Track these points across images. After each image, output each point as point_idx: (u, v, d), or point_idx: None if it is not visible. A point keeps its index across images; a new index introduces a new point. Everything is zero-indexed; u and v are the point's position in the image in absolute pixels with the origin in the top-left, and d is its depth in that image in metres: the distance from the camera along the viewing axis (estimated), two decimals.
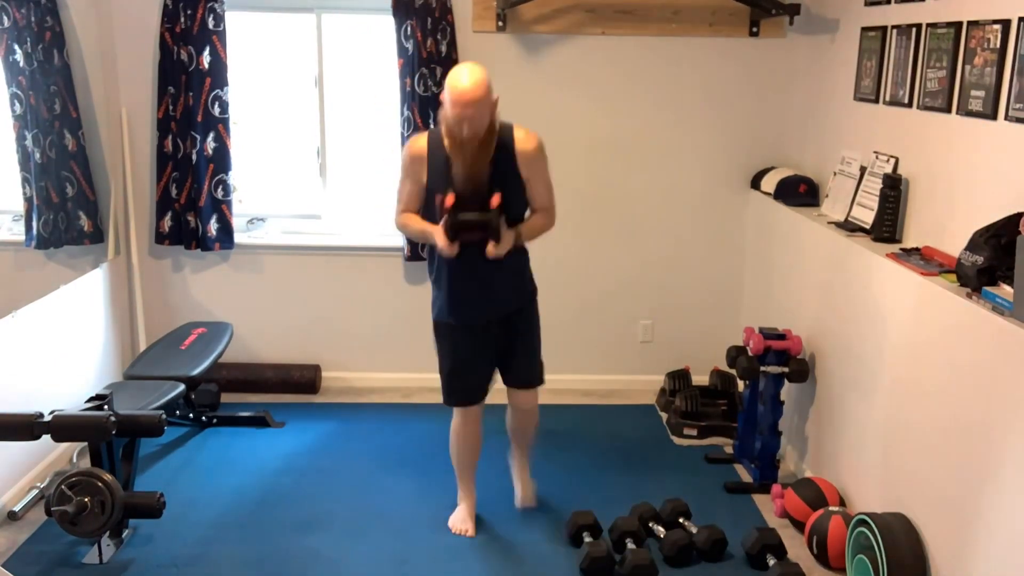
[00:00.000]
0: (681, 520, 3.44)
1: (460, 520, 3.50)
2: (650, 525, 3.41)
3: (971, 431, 2.59)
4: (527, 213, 3.31)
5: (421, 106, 4.43)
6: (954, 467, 2.68)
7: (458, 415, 3.45)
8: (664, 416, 4.54)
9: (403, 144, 4.47)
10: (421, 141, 3.21)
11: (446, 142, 3.11)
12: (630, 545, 3.26)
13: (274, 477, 3.87)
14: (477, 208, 3.07)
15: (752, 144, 4.66)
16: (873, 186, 3.52)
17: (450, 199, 3.04)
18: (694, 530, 3.36)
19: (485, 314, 3.31)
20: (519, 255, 3.32)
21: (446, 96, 3.02)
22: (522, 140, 3.19)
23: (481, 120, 3.01)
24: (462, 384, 3.40)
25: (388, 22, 4.42)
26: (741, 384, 4.24)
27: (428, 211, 3.23)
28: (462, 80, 2.98)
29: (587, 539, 3.26)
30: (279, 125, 4.81)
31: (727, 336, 4.55)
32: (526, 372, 3.45)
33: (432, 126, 3.22)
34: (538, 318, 3.47)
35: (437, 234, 3.11)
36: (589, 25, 4.50)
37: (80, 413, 3.20)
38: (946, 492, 2.71)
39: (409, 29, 4.37)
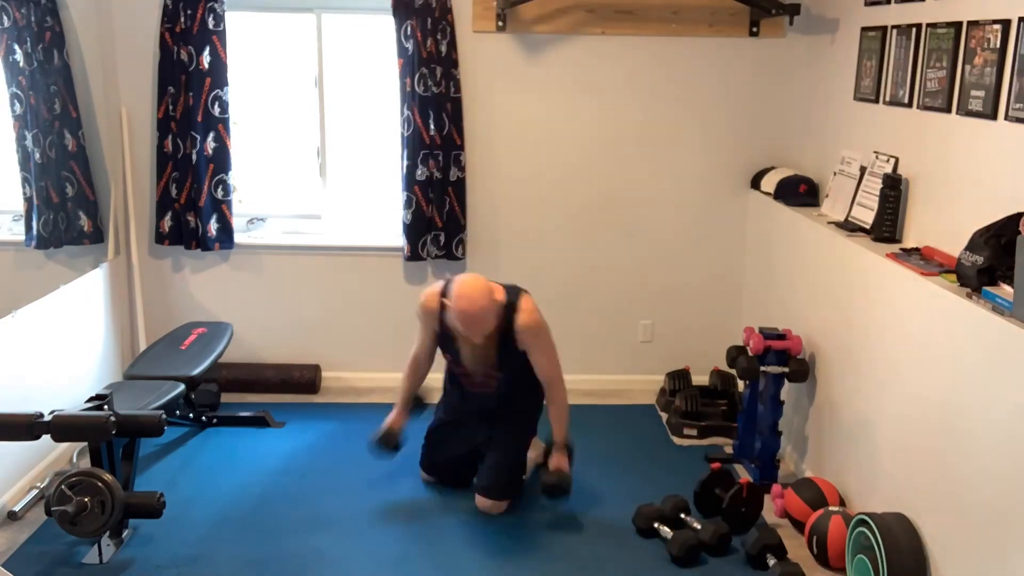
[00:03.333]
0: (682, 516, 3.44)
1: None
2: (655, 526, 3.41)
3: (971, 431, 2.59)
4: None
5: (421, 106, 4.43)
6: (954, 467, 2.68)
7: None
8: (664, 416, 4.54)
9: (403, 143, 4.50)
10: (434, 303, 3.54)
11: (453, 328, 3.45)
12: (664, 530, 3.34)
13: (274, 477, 3.87)
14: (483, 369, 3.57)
15: (752, 144, 4.65)
16: (873, 186, 3.52)
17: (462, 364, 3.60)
18: (697, 526, 3.37)
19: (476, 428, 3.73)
20: (529, 399, 3.73)
21: (453, 311, 3.34)
22: (521, 319, 3.46)
23: (486, 329, 3.38)
24: (436, 448, 3.79)
25: (388, 22, 4.42)
26: (741, 384, 4.24)
27: (445, 348, 3.65)
28: (469, 306, 3.30)
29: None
30: (279, 125, 4.81)
31: (727, 336, 4.55)
32: (490, 475, 3.63)
33: (446, 284, 3.57)
34: (526, 428, 3.77)
35: (395, 418, 3.72)
36: (589, 25, 4.50)
37: (80, 413, 3.20)
38: (946, 492, 2.71)
39: (409, 29, 4.37)
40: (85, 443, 3.48)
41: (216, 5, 4.37)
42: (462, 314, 3.32)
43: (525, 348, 3.51)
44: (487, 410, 3.70)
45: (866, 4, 3.76)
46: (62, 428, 3.16)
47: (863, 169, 3.68)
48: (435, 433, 3.80)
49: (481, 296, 3.32)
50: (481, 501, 3.59)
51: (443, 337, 3.59)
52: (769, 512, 3.63)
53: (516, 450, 3.72)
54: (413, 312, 4.68)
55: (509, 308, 3.45)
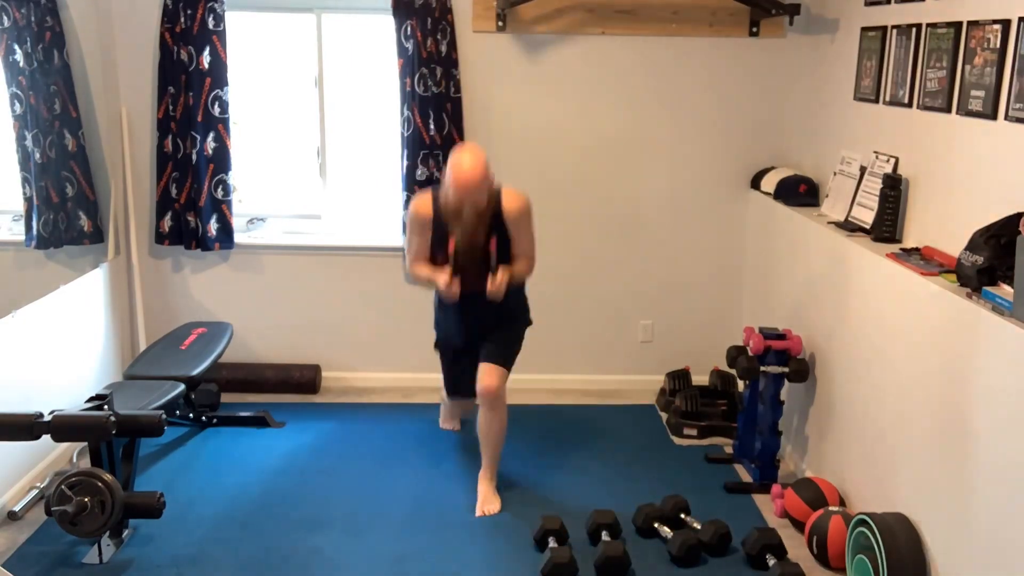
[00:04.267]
0: (683, 516, 3.44)
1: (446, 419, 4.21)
2: (655, 526, 3.41)
3: (971, 431, 2.59)
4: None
5: (421, 106, 4.43)
6: (954, 467, 2.68)
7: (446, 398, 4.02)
8: (664, 416, 4.54)
9: (403, 143, 4.50)
10: (426, 205, 3.56)
11: (445, 196, 3.47)
12: (605, 537, 3.28)
13: (274, 477, 3.87)
14: (475, 262, 3.50)
15: (752, 144, 4.65)
16: (873, 186, 3.52)
17: (452, 245, 3.49)
18: (698, 526, 3.37)
19: (472, 339, 3.73)
20: (516, 295, 3.72)
21: (449, 178, 3.38)
22: (509, 202, 3.53)
23: (480, 199, 3.40)
24: (455, 388, 3.96)
25: (388, 22, 4.42)
26: (741, 384, 4.24)
27: (434, 262, 3.62)
28: (464, 167, 3.35)
29: (552, 544, 3.25)
30: (279, 125, 4.81)
31: (727, 336, 4.55)
32: (492, 352, 3.66)
33: (434, 187, 3.67)
34: (520, 333, 3.79)
35: (439, 276, 3.52)
36: (589, 25, 4.50)
37: (80, 413, 3.20)
38: (946, 492, 2.72)
39: (409, 29, 4.37)
40: (85, 443, 3.48)
41: (216, 5, 4.37)
42: (461, 179, 3.34)
43: (512, 225, 3.54)
44: (482, 313, 3.65)
45: (866, 4, 3.76)
46: (62, 428, 3.16)
47: (863, 169, 3.68)
48: (451, 362, 3.91)
49: (479, 161, 3.37)
50: (486, 372, 3.61)
51: (436, 239, 3.55)
52: (769, 512, 3.63)
53: (510, 340, 3.74)
54: (412, 308, 4.74)
55: (495, 192, 3.51)
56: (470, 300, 3.57)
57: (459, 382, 3.90)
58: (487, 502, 3.66)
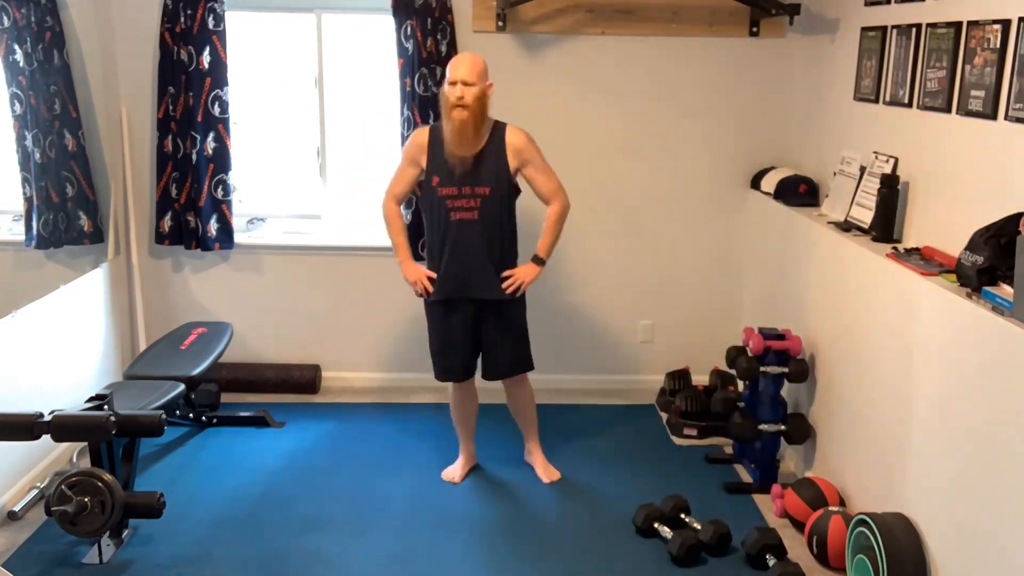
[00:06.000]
0: (683, 516, 3.45)
1: (451, 468, 3.88)
2: (655, 526, 3.41)
3: (971, 431, 2.59)
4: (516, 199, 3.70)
5: (421, 106, 4.43)
6: (954, 467, 2.68)
7: (452, 387, 3.82)
8: (664, 416, 4.54)
9: (403, 143, 4.50)
10: (424, 132, 3.65)
11: (443, 122, 3.52)
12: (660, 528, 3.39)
13: (274, 477, 3.87)
14: (468, 184, 3.52)
15: (752, 144, 4.66)
16: (872, 186, 3.52)
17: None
18: (698, 526, 3.37)
19: (465, 291, 3.62)
20: (510, 256, 3.70)
21: (448, 70, 3.48)
22: (510, 134, 3.59)
23: (471, 86, 3.42)
24: (445, 363, 3.74)
25: (388, 22, 4.42)
26: (741, 384, 4.24)
27: (424, 195, 3.68)
28: (461, 54, 3.57)
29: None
30: (279, 125, 4.81)
31: (727, 336, 4.55)
32: (505, 363, 3.74)
33: (433, 122, 3.68)
34: (521, 315, 3.75)
35: (408, 269, 3.69)
36: (589, 25, 4.50)
37: (80, 413, 3.20)
38: (946, 492, 2.72)
39: (409, 29, 4.37)
40: (85, 443, 3.48)
41: (216, 5, 4.37)
42: (455, 59, 3.51)
43: (515, 158, 3.58)
44: (471, 256, 3.57)
45: (866, 4, 3.76)
46: (62, 428, 3.16)
47: (863, 169, 3.68)
48: (442, 350, 3.73)
49: (477, 57, 3.52)
50: (508, 383, 3.81)
51: (430, 165, 3.57)
52: (769, 512, 3.63)
53: (517, 333, 3.75)
54: (412, 308, 4.73)
55: (500, 125, 3.60)
56: (460, 236, 3.56)
57: (448, 355, 3.70)
58: (548, 472, 3.87)
